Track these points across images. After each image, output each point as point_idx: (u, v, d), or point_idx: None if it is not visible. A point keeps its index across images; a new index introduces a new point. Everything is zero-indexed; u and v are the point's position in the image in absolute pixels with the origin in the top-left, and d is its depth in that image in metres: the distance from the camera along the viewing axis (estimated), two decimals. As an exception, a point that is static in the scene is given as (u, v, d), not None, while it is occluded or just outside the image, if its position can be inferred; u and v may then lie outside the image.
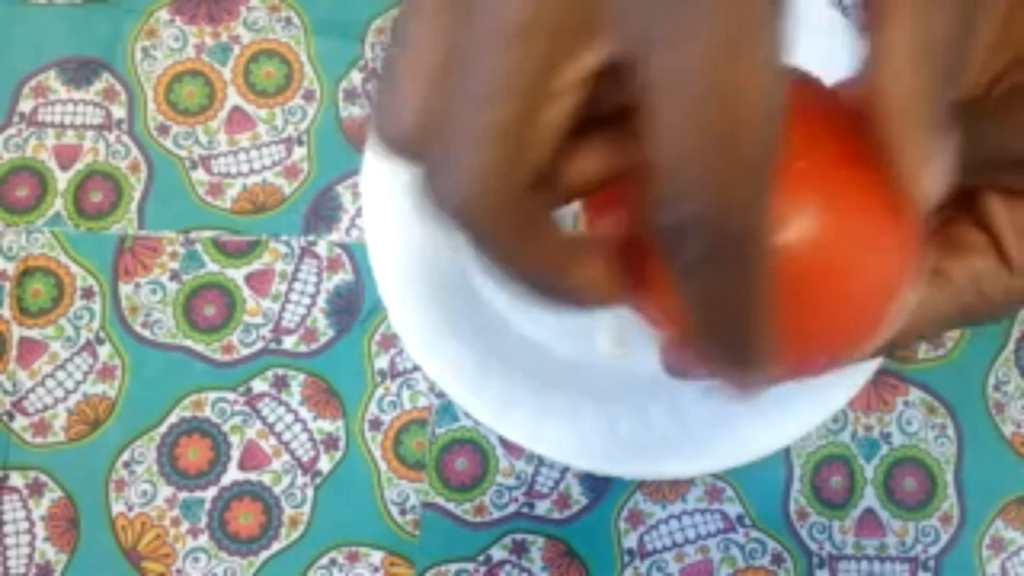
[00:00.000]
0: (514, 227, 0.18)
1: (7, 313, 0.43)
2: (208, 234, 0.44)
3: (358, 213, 0.44)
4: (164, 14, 0.46)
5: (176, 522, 0.42)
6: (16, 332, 0.43)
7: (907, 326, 0.28)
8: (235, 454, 0.42)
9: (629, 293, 0.21)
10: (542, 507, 0.41)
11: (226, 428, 0.42)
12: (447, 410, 0.42)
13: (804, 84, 0.22)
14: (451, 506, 0.42)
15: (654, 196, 0.16)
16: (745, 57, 0.15)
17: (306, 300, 0.43)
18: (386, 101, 0.18)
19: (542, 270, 0.20)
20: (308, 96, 0.45)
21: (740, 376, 0.20)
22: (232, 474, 0.42)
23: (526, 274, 0.20)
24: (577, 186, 0.20)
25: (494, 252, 0.19)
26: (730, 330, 0.19)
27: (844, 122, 0.21)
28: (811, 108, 0.21)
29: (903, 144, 0.20)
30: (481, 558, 0.41)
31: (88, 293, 0.43)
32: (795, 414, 0.37)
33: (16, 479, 0.42)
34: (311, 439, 0.42)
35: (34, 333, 0.43)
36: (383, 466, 0.42)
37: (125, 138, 0.45)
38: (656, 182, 0.16)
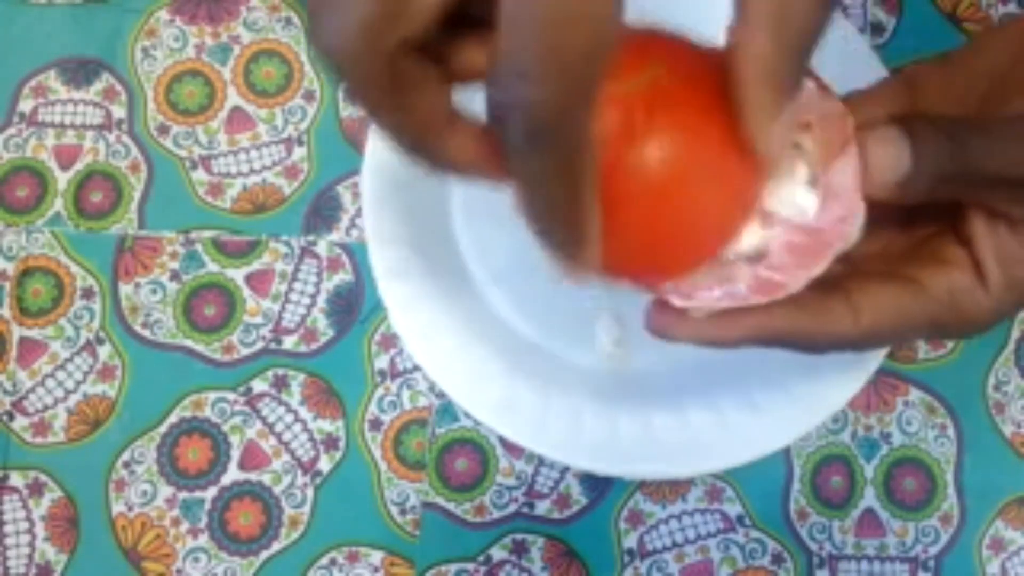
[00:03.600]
0: (382, 83, 0.21)
1: (7, 313, 0.43)
2: (208, 234, 0.44)
3: (358, 213, 0.44)
4: (164, 14, 0.46)
5: (176, 522, 0.42)
6: (16, 332, 0.43)
7: (878, 330, 0.29)
8: (235, 454, 0.42)
9: (492, 171, 0.24)
10: (542, 507, 0.41)
11: (226, 428, 0.42)
12: (447, 410, 0.42)
13: (694, 48, 0.25)
14: (451, 506, 0.42)
15: (488, 81, 0.20)
16: None
17: (306, 300, 0.43)
18: None
19: (410, 130, 0.23)
20: (308, 96, 0.45)
21: (564, 260, 0.23)
22: (232, 474, 0.42)
23: (395, 130, 0.23)
24: (459, 70, 0.23)
25: (364, 102, 0.22)
26: (547, 213, 0.21)
27: (716, 79, 0.24)
28: (688, 57, 0.25)
29: (750, 96, 0.23)
30: (481, 558, 0.41)
31: (88, 293, 0.43)
32: (795, 414, 0.37)
33: (16, 479, 0.42)
34: (311, 439, 0.42)
35: (34, 333, 0.43)
36: (383, 466, 0.42)
37: (125, 138, 0.45)
38: (491, 68, 0.19)
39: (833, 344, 0.29)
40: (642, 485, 0.41)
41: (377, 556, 0.41)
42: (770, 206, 0.27)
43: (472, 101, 0.24)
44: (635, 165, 0.24)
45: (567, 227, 0.22)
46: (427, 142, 0.23)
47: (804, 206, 0.27)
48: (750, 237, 0.27)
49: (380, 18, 0.20)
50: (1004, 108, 0.29)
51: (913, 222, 0.31)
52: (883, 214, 0.28)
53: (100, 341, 0.43)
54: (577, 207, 0.21)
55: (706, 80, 0.24)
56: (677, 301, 0.28)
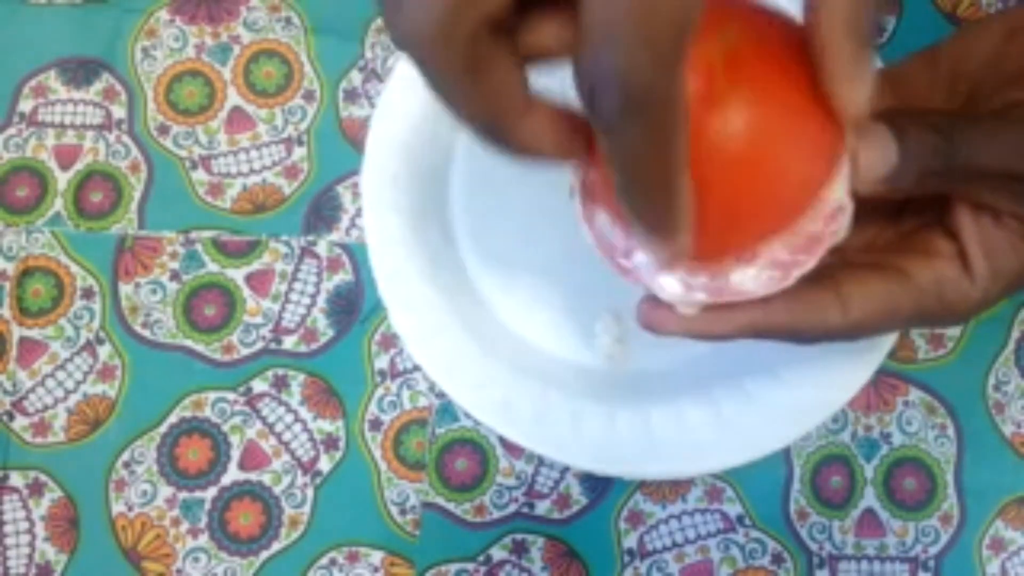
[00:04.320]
0: (462, 64, 0.21)
1: (7, 313, 0.43)
2: (208, 234, 0.44)
3: (358, 213, 0.44)
4: (164, 14, 0.46)
5: (176, 522, 0.42)
6: (16, 332, 0.43)
7: (867, 320, 0.29)
8: (235, 454, 0.42)
9: (571, 154, 0.23)
10: (542, 507, 0.41)
11: (226, 428, 0.42)
12: (447, 410, 0.42)
13: (770, 13, 0.25)
14: (451, 506, 0.42)
15: (577, 56, 0.19)
16: None
17: (306, 300, 0.43)
18: None
19: (489, 113, 0.22)
20: (308, 96, 0.45)
21: (660, 240, 0.22)
22: (232, 474, 0.42)
23: (474, 114, 0.22)
24: (537, 48, 0.23)
25: (444, 87, 0.22)
26: (644, 188, 0.21)
27: (794, 42, 0.24)
28: (770, 26, 0.25)
29: (833, 53, 0.23)
30: (481, 558, 0.41)
31: (88, 293, 0.43)
32: (795, 414, 0.37)
33: (16, 479, 0.42)
34: (311, 439, 0.42)
35: (34, 333, 0.43)
36: (383, 466, 0.42)
37: (125, 138, 0.45)
38: (579, 43, 0.19)
39: (823, 335, 0.29)
40: (642, 485, 0.41)
41: (377, 556, 0.41)
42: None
43: (541, 83, 0.23)
44: (719, 130, 0.23)
45: (662, 199, 0.21)
46: (506, 125, 0.23)
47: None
48: (833, 193, 0.27)
49: (459, 2, 0.20)
50: (991, 101, 0.29)
51: (901, 215, 0.31)
52: (871, 208, 0.29)
53: (100, 341, 0.43)
54: (672, 177, 0.21)
55: (782, 42, 0.24)
56: (671, 295, 0.28)
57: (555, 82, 0.24)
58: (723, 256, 0.27)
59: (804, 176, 0.25)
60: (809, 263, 0.27)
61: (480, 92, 0.22)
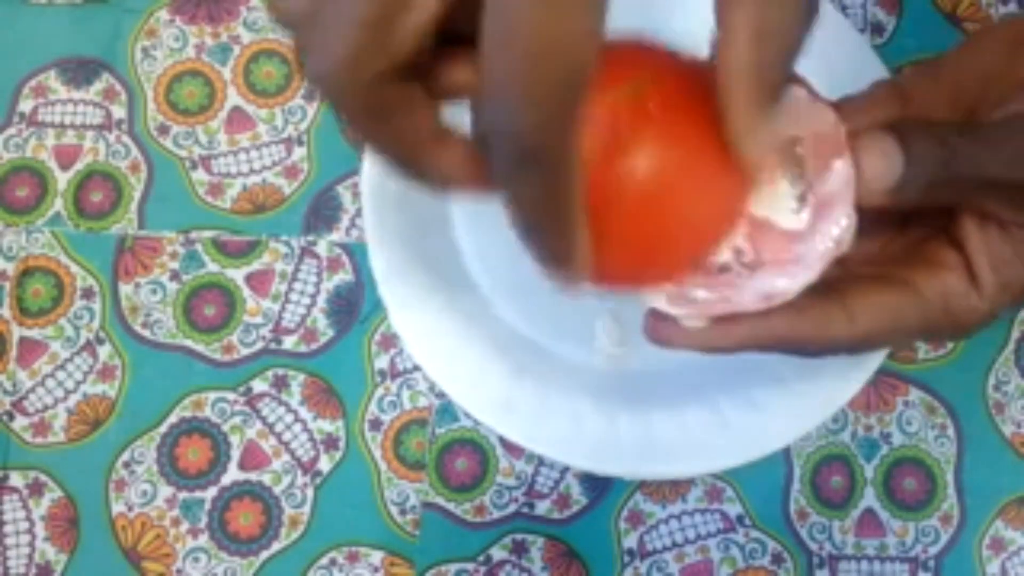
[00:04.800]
0: (367, 109, 0.22)
1: (7, 313, 0.43)
2: (208, 234, 0.44)
3: (358, 213, 0.44)
4: (164, 14, 0.46)
5: (176, 522, 0.42)
6: (16, 332, 0.43)
7: (873, 333, 0.29)
8: (235, 454, 0.42)
9: (482, 187, 0.24)
10: (542, 507, 0.41)
11: (226, 428, 0.42)
12: (447, 410, 0.42)
13: (680, 59, 0.26)
14: (451, 506, 0.42)
15: (473, 105, 0.20)
16: (570, 5, 0.18)
17: (306, 300, 0.43)
18: None
19: (399, 149, 0.23)
20: (308, 96, 0.45)
21: (555, 273, 0.23)
22: (232, 474, 0.42)
23: (384, 150, 0.23)
24: (447, 87, 0.23)
25: (354, 127, 0.22)
26: (536, 229, 0.22)
27: (701, 89, 0.24)
28: (681, 73, 0.25)
29: (733, 106, 0.23)
30: (481, 558, 0.41)
31: (88, 293, 0.43)
32: (795, 414, 0.37)
33: (16, 479, 0.42)
34: (311, 439, 0.42)
35: (34, 333, 0.43)
36: (383, 466, 0.42)
37: (125, 138, 0.45)
38: (477, 93, 0.19)
39: (829, 348, 0.29)
40: (642, 485, 0.41)
41: (377, 556, 0.41)
42: (760, 213, 0.27)
43: (463, 114, 0.24)
44: (622, 175, 0.24)
45: (556, 242, 0.22)
46: (416, 161, 0.23)
47: (795, 214, 0.27)
48: (741, 241, 0.27)
49: (361, 51, 0.20)
50: (997, 110, 0.29)
51: (906, 226, 0.31)
52: (876, 218, 0.28)
53: (100, 341, 0.43)
54: (565, 223, 0.21)
55: (690, 89, 0.25)
56: (673, 309, 0.28)
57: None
58: (632, 285, 0.28)
59: (706, 219, 0.26)
60: (811, 276, 0.27)
61: (386, 132, 0.23)
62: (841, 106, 0.29)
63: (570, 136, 0.20)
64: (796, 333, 0.29)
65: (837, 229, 0.27)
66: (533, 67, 0.18)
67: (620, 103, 0.24)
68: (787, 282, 0.27)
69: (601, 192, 0.23)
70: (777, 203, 0.27)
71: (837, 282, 0.29)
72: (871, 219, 0.28)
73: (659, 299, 0.28)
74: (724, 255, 0.27)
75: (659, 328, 0.29)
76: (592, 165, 0.21)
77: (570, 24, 0.18)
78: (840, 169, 0.27)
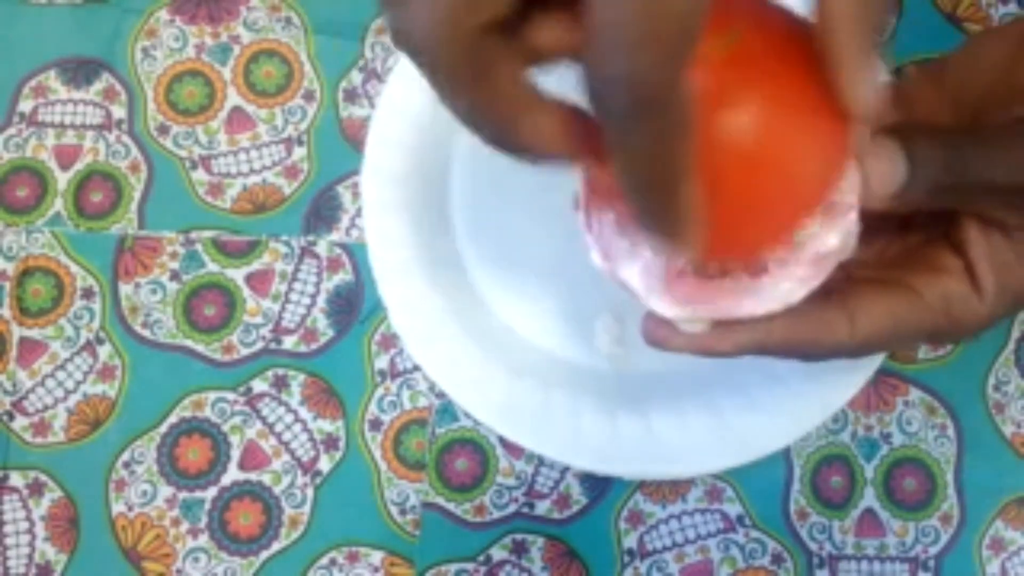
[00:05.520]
0: (467, 66, 0.21)
1: (7, 313, 0.43)
2: (208, 234, 0.44)
3: (358, 213, 0.44)
4: (164, 14, 0.46)
5: (176, 522, 0.42)
6: (16, 332, 0.43)
7: (875, 338, 0.29)
8: (235, 454, 0.42)
9: (579, 153, 0.23)
10: (542, 507, 0.41)
11: (226, 428, 0.42)
12: (447, 410, 0.42)
13: (776, 10, 0.25)
14: (451, 506, 0.42)
15: (586, 57, 0.19)
16: None
17: (306, 300, 0.43)
18: None
19: (494, 113, 0.22)
20: (308, 96, 0.45)
21: (668, 239, 0.22)
22: (232, 474, 0.42)
23: (479, 115, 0.22)
24: (540, 48, 0.23)
25: (448, 89, 0.22)
26: (652, 188, 0.21)
27: (801, 40, 0.24)
28: (775, 23, 0.25)
29: (841, 54, 0.23)
30: (481, 558, 0.41)
31: (88, 293, 0.43)
32: (795, 414, 0.37)
33: (16, 479, 0.42)
34: (311, 439, 0.42)
35: (34, 333, 0.43)
36: (383, 466, 0.42)
37: (125, 138, 0.45)
38: (588, 44, 0.19)
39: (830, 352, 0.29)
40: (642, 485, 0.41)
41: (377, 556, 0.41)
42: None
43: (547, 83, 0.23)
44: (726, 130, 0.23)
45: (669, 198, 0.21)
46: (512, 125, 0.23)
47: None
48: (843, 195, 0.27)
49: (460, 4, 0.20)
50: (999, 115, 0.29)
51: (907, 229, 0.31)
52: (878, 222, 0.28)
53: (100, 341, 0.43)
54: (678, 175, 0.21)
55: (788, 38, 0.24)
56: (672, 313, 0.28)
57: (553, 80, 0.24)
58: (732, 253, 0.27)
59: (811, 174, 0.25)
60: (816, 280, 0.27)
61: (483, 94, 0.22)
62: None
63: (684, 80, 0.19)
64: (797, 338, 0.29)
65: (842, 233, 0.27)
66: (649, 8, 0.18)
67: (721, 53, 0.23)
68: (790, 287, 0.27)
69: (704, 144, 0.21)
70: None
71: (838, 286, 0.29)
72: (871, 223, 0.28)
73: (658, 302, 0.28)
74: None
75: (657, 332, 0.29)
76: (697, 117, 0.20)
77: None
78: (845, 174, 0.27)
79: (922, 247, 0.30)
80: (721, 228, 0.24)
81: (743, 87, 0.23)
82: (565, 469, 0.42)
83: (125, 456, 0.42)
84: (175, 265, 0.44)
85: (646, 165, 0.20)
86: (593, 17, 0.18)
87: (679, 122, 0.20)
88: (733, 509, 0.41)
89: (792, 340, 0.29)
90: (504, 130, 0.23)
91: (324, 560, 0.41)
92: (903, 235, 0.31)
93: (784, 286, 0.27)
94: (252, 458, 0.42)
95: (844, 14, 0.23)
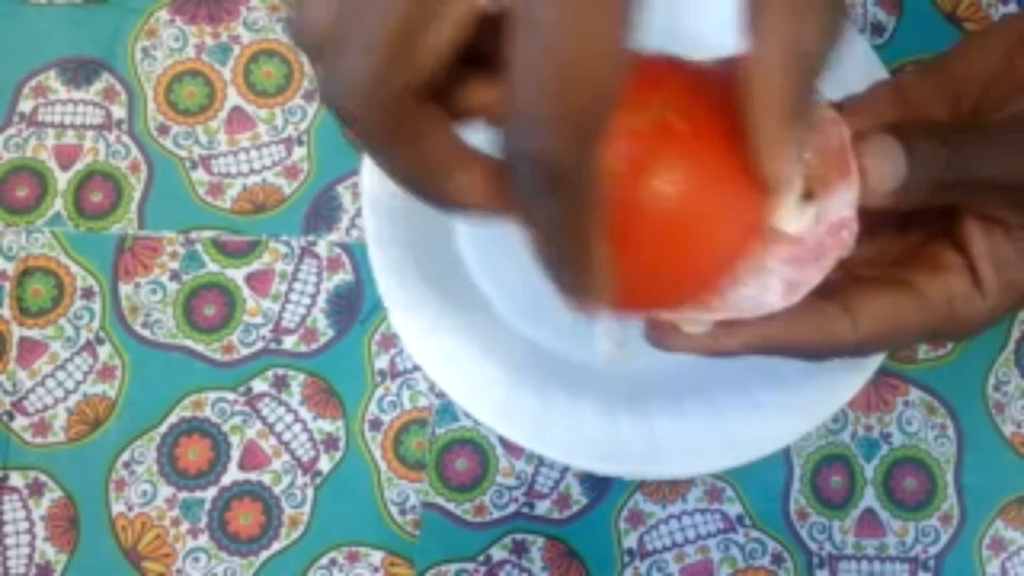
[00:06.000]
0: (391, 128, 0.21)
1: (7, 313, 0.43)
2: (208, 234, 0.44)
3: (358, 213, 0.44)
4: (164, 14, 0.46)
5: (176, 522, 0.42)
6: (16, 332, 0.43)
7: (876, 336, 0.29)
8: (235, 454, 0.42)
9: (501, 208, 0.23)
10: (542, 507, 0.41)
11: (226, 428, 0.42)
12: (447, 410, 0.42)
13: (702, 75, 0.25)
14: (451, 506, 0.42)
15: (503, 127, 0.19)
16: (598, 24, 0.18)
17: (306, 300, 0.43)
18: (303, 6, 0.21)
19: (419, 173, 0.23)
20: (308, 96, 0.45)
21: (577, 299, 0.23)
22: (232, 474, 0.42)
23: (400, 172, 0.23)
24: (466, 108, 0.23)
25: (373, 149, 0.22)
26: (561, 255, 0.21)
27: (724, 107, 0.24)
28: (706, 91, 0.25)
29: (764, 131, 0.23)
30: (481, 558, 0.41)
31: (88, 293, 0.43)
32: (795, 414, 0.37)
33: (16, 479, 0.42)
34: (311, 439, 0.42)
35: (34, 333, 0.43)
36: (383, 466, 0.42)
37: (125, 138, 0.45)
38: (506, 112, 0.19)
39: (832, 351, 0.29)
40: (642, 485, 0.41)
41: (377, 556, 0.41)
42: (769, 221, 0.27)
43: (479, 134, 0.23)
44: (643, 199, 0.24)
45: (578, 267, 0.22)
46: (434, 182, 0.23)
47: (799, 217, 0.27)
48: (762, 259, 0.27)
49: (383, 68, 0.20)
50: (998, 112, 0.29)
51: (907, 227, 0.31)
52: (878, 220, 0.28)
53: (100, 341, 0.43)
54: (587, 247, 0.21)
55: (712, 107, 0.24)
56: (671, 315, 0.28)
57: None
58: (651, 309, 0.28)
59: (726, 241, 0.26)
60: (815, 279, 0.27)
61: (407, 154, 0.22)
62: (842, 107, 0.29)
63: (595, 160, 0.20)
64: (799, 337, 0.29)
65: (843, 232, 0.27)
66: (562, 90, 0.18)
67: (641, 125, 0.24)
68: (790, 286, 0.27)
69: (623, 215, 0.22)
70: (781, 207, 0.27)
71: (839, 285, 0.29)
72: (871, 221, 0.27)
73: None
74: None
75: (659, 333, 0.29)
76: (612, 188, 0.21)
77: (597, 43, 0.18)
78: (844, 171, 0.27)
79: (923, 245, 0.30)
80: (636, 287, 0.25)
81: (661, 161, 0.24)
82: (565, 469, 0.42)
83: (125, 456, 0.42)
84: (175, 265, 0.44)
85: (555, 234, 0.21)
86: (508, 91, 0.19)
87: (587, 199, 0.20)
88: (733, 509, 0.41)
89: (794, 339, 0.29)
90: (430, 189, 0.23)
91: (324, 560, 0.41)
92: (903, 233, 0.31)
93: (773, 287, 0.27)
94: (252, 458, 0.42)
95: (766, 89, 0.23)
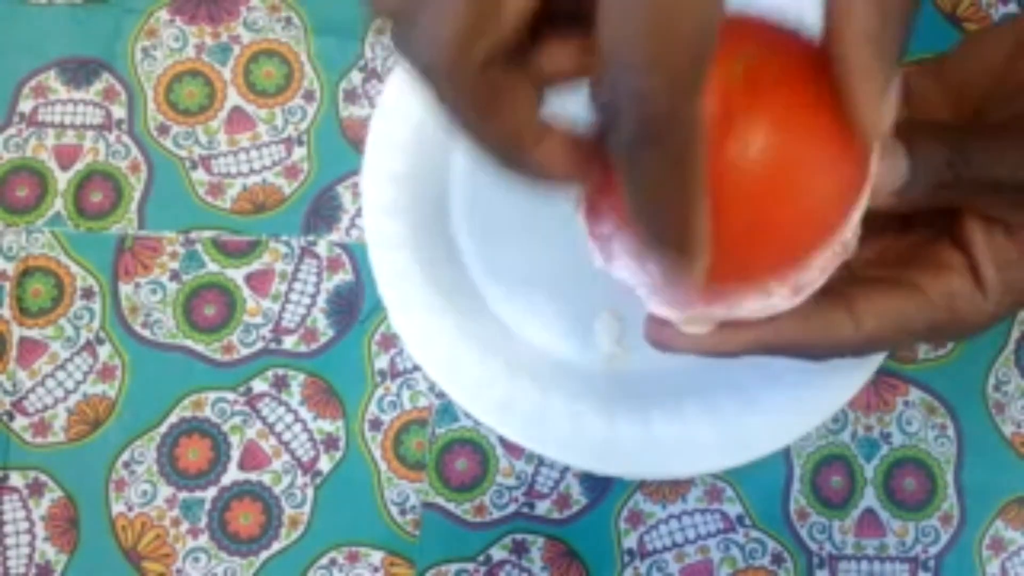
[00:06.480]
0: (473, 94, 0.21)
1: (7, 313, 0.43)
2: (208, 234, 0.44)
3: (358, 213, 0.44)
4: (164, 14, 0.46)
5: (176, 522, 0.42)
6: (16, 332, 0.43)
7: (879, 336, 0.29)
8: (235, 454, 0.42)
9: (586, 178, 0.23)
10: (542, 507, 0.41)
11: (226, 428, 0.42)
12: (447, 410, 0.42)
13: (787, 32, 0.25)
14: (451, 506, 0.42)
15: (596, 77, 0.19)
16: None
17: (306, 300, 0.43)
18: None
19: (502, 140, 0.22)
20: (308, 96, 0.45)
21: (676, 268, 0.22)
22: (232, 474, 0.42)
23: (487, 141, 0.22)
24: (549, 73, 0.23)
25: (455, 115, 0.21)
26: (660, 214, 0.21)
27: (813, 62, 0.23)
28: (788, 45, 0.24)
29: (852, 78, 0.22)
30: (481, 558, 0.41)
31: (88, 293, 0.43)
32: (795, 414, 0.37)
33: (16, 479, 0.42)
34: (311, 439, 0.42)
35: (34, 333, 0.43)
36: (383, 466, 0.42)
37: (125, 138, 0.45)
38: (598, 64, 0.18)
39: (835, 351, 0.29)
40: (642, 485, 0.41)
41: (377, 556, 0.41)
42: None
43: (558, 108, 0.23)
44: (737, 155, 0.23)
45: (678, 224, 0.21)
46: (520, 152, 0.22)
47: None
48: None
49: (470, 29, 0.20)
50: (1000, 112, 0.29)
51: (909, 227, 0.31)
52: (880, 220, 0.28)
53: (100, 341, 0.43)
54: (689, 201, 0.20)
55: (802, 61, 0.24)
56: (673, 315, 0.28)
57: (558, 104, 0.23)
58: (742, 281, 0.26)
59: (827, 200, 0.25)
60: (818, 280, 0.27)
61: (492, 121, 0.22)
62: None
63: (697, 104, 0.19)
64: (801, 337, 0.28)
65: (846, 232, 0.27)
66: (661, 24, 0.17)
67: (733, 77, 0.23)
68: (794, 287, 0.27)
69: (715, 170, 0.21)
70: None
71: (842, 285, 0.29)
72: (874, 220, 0.27)
73: (658, 304, 0.28)
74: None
75: (660, 334, 0.29)
76: (709, 143, 0.20)
77: None
78: (864, 196, 0.27)
79: (925, 245, 0.30)
80: (733, 254, 0.24)
81: (755, 113, 0.23)
82: (565, 469, 0.42)
83: (125, 456, 0.42)
84: (175, 265, 0.44)
85: (654, 191, 0.20)
86: (601, 39, 0.18)
87: (689, 150, 0.19)
88: (733, 509, 0.41)
89: (797, 340, 0.29)
90: (511, 157, 0.23)
91: (324, 560, 0.41)
92: (905, 233, 0.31)
93: (775, 287, 0.27)
94: (252, 458, 0.42)
95: (854, 36, 0.22)
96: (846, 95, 0.23)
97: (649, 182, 0.20)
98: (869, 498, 0.41)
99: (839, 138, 0.24)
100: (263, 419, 0.42)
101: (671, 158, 0.19)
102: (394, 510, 0.42)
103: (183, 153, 0.45)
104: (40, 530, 0.42)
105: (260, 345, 0.43)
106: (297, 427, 0.42)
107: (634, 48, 0.18)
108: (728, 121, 0.23)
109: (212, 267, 0.44)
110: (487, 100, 0.21)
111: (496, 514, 0.41)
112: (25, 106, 0.45)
